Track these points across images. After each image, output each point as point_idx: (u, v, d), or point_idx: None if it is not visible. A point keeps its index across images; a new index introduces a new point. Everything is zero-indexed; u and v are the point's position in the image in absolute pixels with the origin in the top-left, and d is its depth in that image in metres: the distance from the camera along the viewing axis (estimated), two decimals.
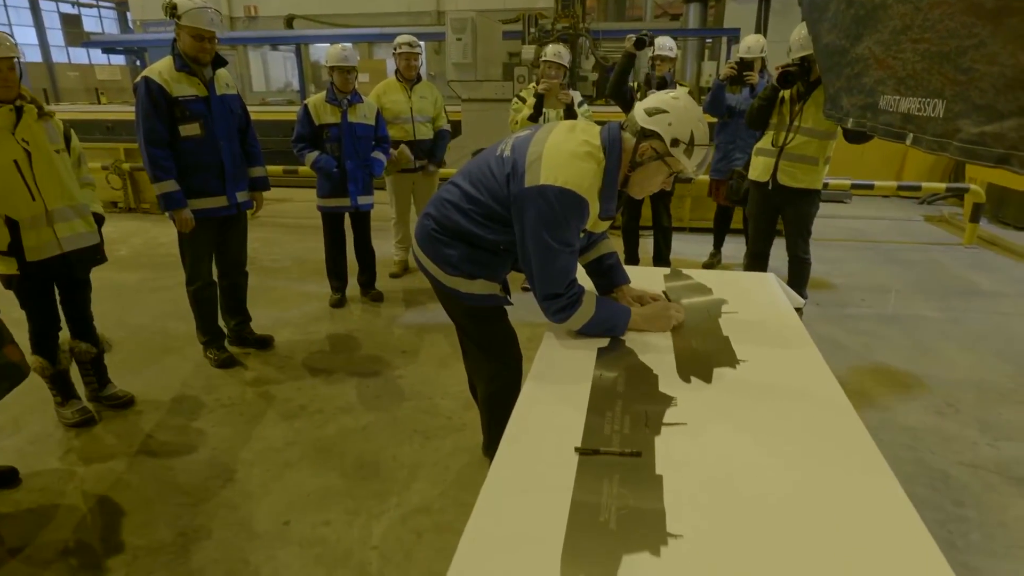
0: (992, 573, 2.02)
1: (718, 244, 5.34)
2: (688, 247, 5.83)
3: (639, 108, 1.79)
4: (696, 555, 1.03)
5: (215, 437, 2.79)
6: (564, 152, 1.76)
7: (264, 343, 3.70)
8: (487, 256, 1.95)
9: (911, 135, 1.76)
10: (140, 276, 5.05)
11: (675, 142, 1.72)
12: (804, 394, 1.57)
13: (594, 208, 1.79)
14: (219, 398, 3.14)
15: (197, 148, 3.11)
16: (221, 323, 3.60)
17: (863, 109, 2.16)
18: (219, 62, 3.16)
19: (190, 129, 3.06)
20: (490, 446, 2.38)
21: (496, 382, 2.18)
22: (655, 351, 1.78)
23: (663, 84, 4.33)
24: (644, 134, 1.75)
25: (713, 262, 5.31)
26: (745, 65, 4.60)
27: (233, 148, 3.25)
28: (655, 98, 1.77)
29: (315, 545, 2.15)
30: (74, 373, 2.96)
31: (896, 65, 1.81)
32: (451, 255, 1.94)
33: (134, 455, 2.66)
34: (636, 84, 4.50)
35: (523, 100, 4.21)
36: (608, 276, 2.16)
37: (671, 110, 1.73)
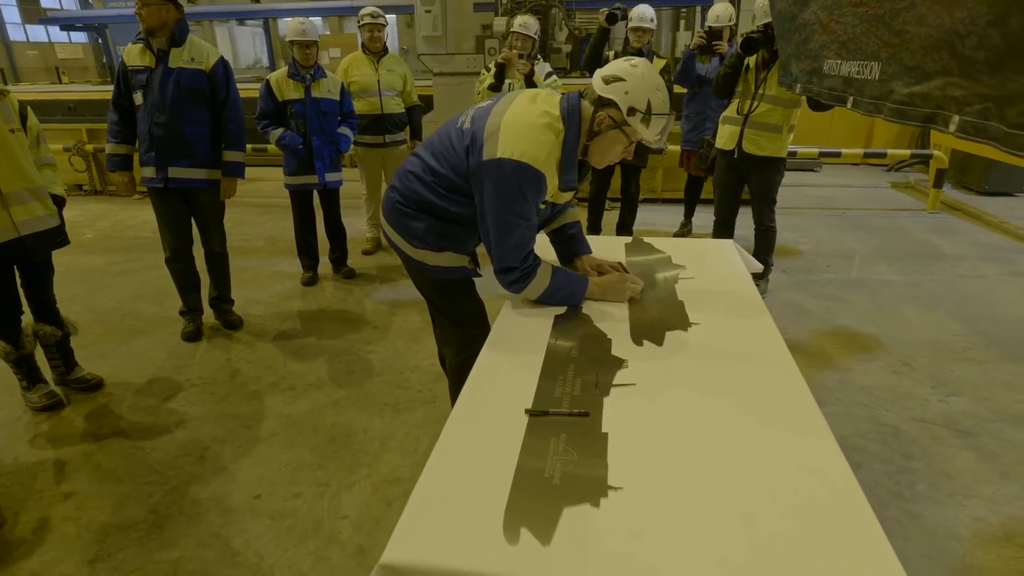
0: (934, 518, 2.13)
1: (689, 214, 5.40)
2: (660, 218, 5.89)
3: (597, 76, 1.77)
4: (634, 505, 1.08)
5: (186, 416, 2.81)
6: (522, 124, 1.73)
7: (232, 325, 3.69)
8: (453, 228, 1.93)
9: (851, 98, 1.80)
10: (108, 259, 4.98)
11: (632, 111, 1.71)
12: (750, 354, 1.62)
13: (552, 181, 1.78)
14: (190, 378, 3.14)
15: (141, 118, 3.21)
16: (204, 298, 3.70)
17: (810, 74, 2.19)
18: (177, 36, 3.11)
19: (137, 98, 3.18)
20: None
21: (465, 352, 2.12)
22: (610, 318, 1.83)
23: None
24: (601, 102, 1.74)
25: (684, 232, 5.38)
26: (714, 34, 4.60)
27: (171, 121, 3.16)
28: (613, 66, 1.76)
29: (286, 517, 2.19)
30: (40, 358, 2.94)
31: (838, 29, 1.84)
32: (417, 227, 1.93)
33: (104, 437, 2.67)
34: (613, 53, 4.47)
35: (489, 71, 4.19)
36: (569, 245, 2.17)
37: (628, 78, 1.71)
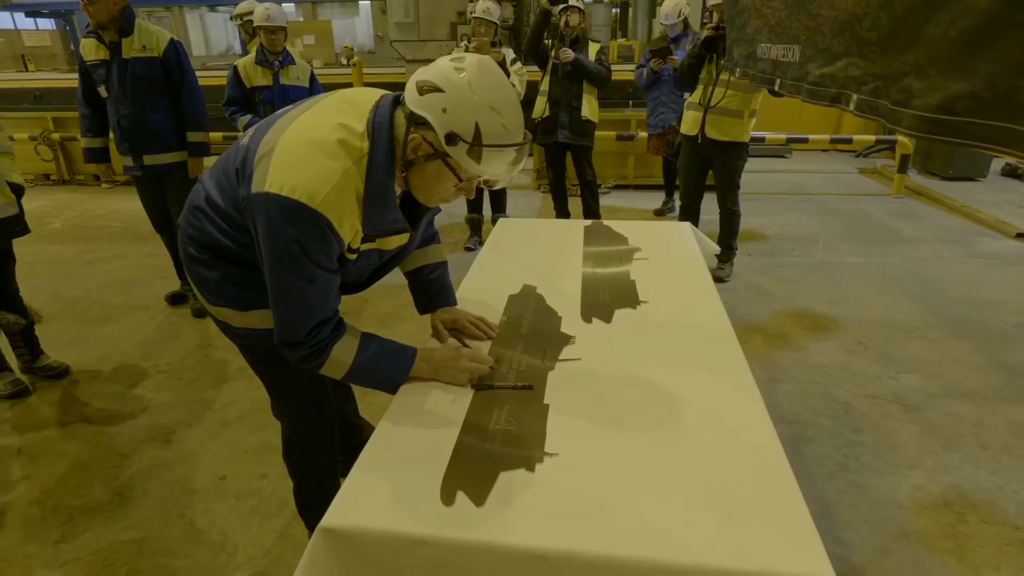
0: (876, 488, 2.23)
1: (670, 193, 5.53)
2: (632, 202, 5.96)
3: (412, 80, 1.24)
4: (567, 469, 1.14)
5: (153, 402, 2.82)
6: (303, 143, 1.24)
7: (200, 313, 3.69)
8: (259, 278, 1.37)
9: (778, 80, 1.87)
10: (75, 248, 4.94)
11: (452, 138, 1.18)
12: (695, 331, 1.68)
13: (348, 224, 1.26)
14: (157, 364, 3.15)
15: (110, 110, 3.30)
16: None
17: (747, 58, 2.26)
18: (125, 25, 3.14)
19: (102, 91, 3.25)
20: (309, 518, 1.90)
21: (302, 436, 1.77)
22: (563, 296, 1.88)
23: (576, 42, 4.30)
24: (414, 120, 1.23)
25: (665, 209, 5.53)
26: (662, 51, 4.79)
27: (136, 110, 3.25)
28: (433, 67, 1.23)
29: (251, 497, 2.22)
30: (5, 347, 2.93)
31: (769, 13, 1.91)
32: (210, 278, 1.46)
33: (70, 423, 2.68)
34: (550, 42, 4.30)
35: None
36: (427, 294, 1.74)
37: (447, 88, 1.18)
